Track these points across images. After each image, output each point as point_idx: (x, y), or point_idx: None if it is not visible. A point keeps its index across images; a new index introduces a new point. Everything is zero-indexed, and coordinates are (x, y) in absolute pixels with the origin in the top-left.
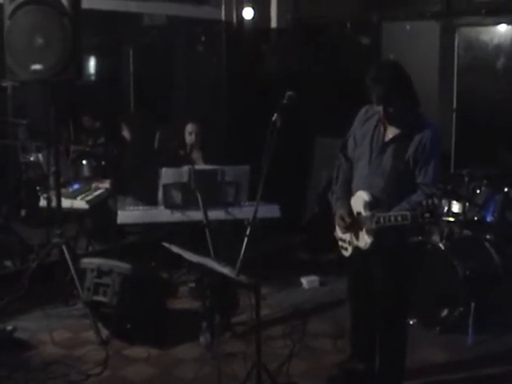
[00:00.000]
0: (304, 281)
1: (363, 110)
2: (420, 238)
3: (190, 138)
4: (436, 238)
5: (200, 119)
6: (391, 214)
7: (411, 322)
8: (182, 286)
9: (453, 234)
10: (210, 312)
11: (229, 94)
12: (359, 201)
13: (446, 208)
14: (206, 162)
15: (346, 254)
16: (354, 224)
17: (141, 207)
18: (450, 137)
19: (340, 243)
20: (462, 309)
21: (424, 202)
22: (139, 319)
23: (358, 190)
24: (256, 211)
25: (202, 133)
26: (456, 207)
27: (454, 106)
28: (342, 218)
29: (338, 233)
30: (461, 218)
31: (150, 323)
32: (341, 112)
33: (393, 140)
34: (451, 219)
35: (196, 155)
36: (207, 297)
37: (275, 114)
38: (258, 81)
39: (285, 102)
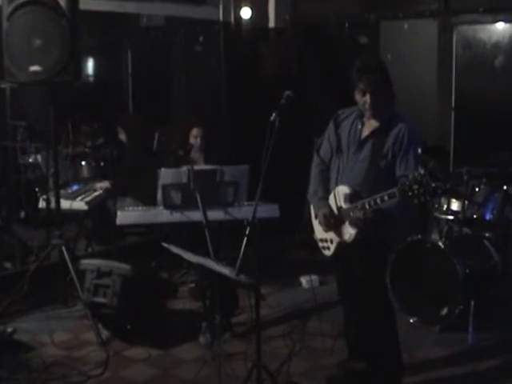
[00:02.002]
0: (304, 280)
1: (339, 112)
2: (419, 236)
3: (195, 141)
4: (435, 236)
5: (204, 122)
6: (376, 195)
7: (411, 321)
8: (181, 287)
9: (452, 232)
10: (210, 312)
11: (228, 94)
12: (339, 195)
13: (445, 206)
14: (206, 162)
15: (329, 253)
16: (336, 221)
17: (140, 208)
18: (449, 135)
19: (321, 244)
20: (461, 307)
21: (410, 176)
22: (139, 320)
23: (337, 185)
24: (255, 211)
25: (205, 136)
26: (455, 205)
27: (453, 104)
28: (325, 217)
29: (318, 234)
30: (460, 216)
31: (150, 324)
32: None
33: (370, 136)
34: (450, 217)
35: (197, 155)
36: (207, 297)
37: (273, 114)
38: (257, 81)
39: (283, 101)
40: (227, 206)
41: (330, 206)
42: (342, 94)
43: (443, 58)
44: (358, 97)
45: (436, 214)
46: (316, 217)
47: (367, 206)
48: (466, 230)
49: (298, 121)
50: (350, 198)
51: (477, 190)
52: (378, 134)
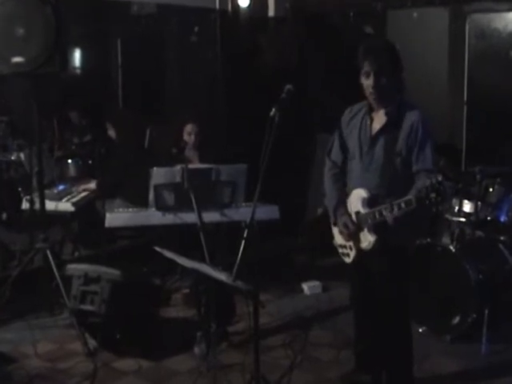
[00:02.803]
0: (305, 287)
1: (347, 111)
2: (429, 239)
3: (189, 139)
4: (446, 239)
5: (198, 118)
6: (394, 202)
7: (420, 330)
8: (175, 293)
9: (464, 235)
10: (205, 320)
11: (224, 87)
12: (356, 199)
13: (456, 208)
14: (202, 161)
15: (348, 260)
16: (356, 226)
17: (130, 209)
18: (460, 132)
19: (340, 250)
20: (474, 316)
21: (428, 182)
22: (129, 329)
23: (353, 189)
24: (254, 212)
25: (201, 133)
26: (467, 207)
27: (465, 98)
28: (346, 226)
29: (337, 240)
30: (473, 218)
31: (140, 333)
32: (344, 105)
33: (381, 131)
34: (462, 219)
35: (191, 154)
36: (202, 304)
37: (273, 109)
38: (256, 74)
39: (283, 95)
40: (224, 207)
41: (348, 213)
42: (346, 87)
43: (455, 48)
44: (363, 81)
45: (447, 216)
46: (335, 224)
47: (384, 213)
48: (478, 232)
49: (299, 116)
50: (367, 203)
51: (490, 190)
52: (389, 129)
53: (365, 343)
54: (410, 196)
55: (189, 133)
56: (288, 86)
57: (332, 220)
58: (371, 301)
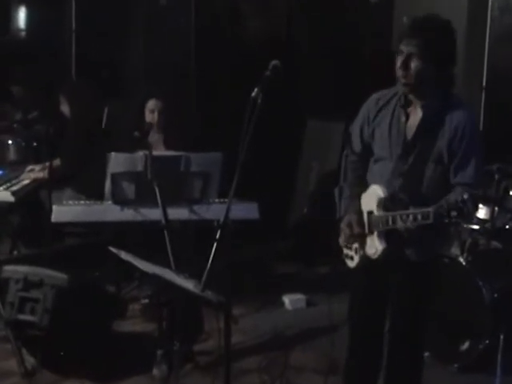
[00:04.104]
0: (287, 300)
1: (374, 99)
2: None
3: (151, 117)
4: (456, 250)
5: (163, 94)
6: (410, 211)
7: None
8: (132, 304)
9: (477, 245)
10: (166, 337)
11: (197, 61)
12: (372, 197)
13: None
14: (167, 146)
15: (352, 264)
16: (363, 228)
17: (82, 202)
18: (478, 123)
19: (345, 251)
20: (487, 341)
21: (453, 198)
22: (76, 345)
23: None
24: (228, 210)
25: (166, 111)
26: (482, 212)
27: (484, 83)
28: (350, 225)
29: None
30: (488, 225)
31: (90, 350)
32: (340, 88)
33: (419, 132)
34: (475, 227)
35: (156, 138)
36: (164, 318)
37: (255, 89)
38: (236, 46)
39: (268, 73)
40: (193, 203)
41: (360, 211)
42: (344, 65)
43: (474, 24)
44: (397, 64)
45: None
46: (340, 219)
47: (399, 221)
48: (494, 243)
49: (286, 99)
50: (384, 204)
51: (510, 193)
52: (428, 130)
53: (358, 369)
54: (430, 209)
55: (151, 110)
56: (274, 62)
57: (338, 213)
58: (372, 317)
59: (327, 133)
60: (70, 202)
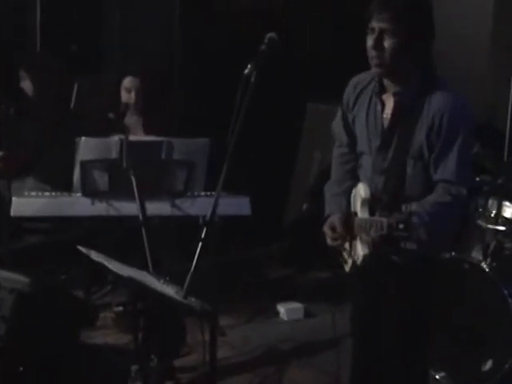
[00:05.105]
0: (282, 309)
1: (352, 83)
2: (453, 253)
3: (127, 97)
4: (477, 254)
5: (142, 71)
6: (367, 218)
7: (437, 377)
8: (104, 311)
9: (503, 249)
10: (143, 350)
11: (183, 32)
12: (357, 197)
13: (493, 212)
14: (147, 131)
15: (346, 268)
16: (350, 230)
17: (47, 193)
18: (505, 111)
19: (343, 253)
20: None
21: (430, 199)
22: (38, 358)
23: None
24: (216, 205)
25: (144, 91)
26: (509, 211)
27: None
28: (333, 227)
29: None
30: None
31: (54, 365)
32: (344, 67)
33: (394, 123)
34: (501, 228)
35: (134, 121)
36: (140, 328)
37: (249, 66)
38: (226, 19)
39: (263, 47)
40: (176, 196)
41: (347, 212)
42: (347, 42)
43: (503, 3)
44: (367, 43)
45: (479, 222)
46: (325, 219)
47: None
48: None
49: (283, 78)
50: (368, 205)
51: None
52: (406, 117)
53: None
54: (383, 219)
55: (127, 89)
56: (270, 35)
57: (326, 214)
58: (373, 328)
59: (330, 118)
60: (33, 194)
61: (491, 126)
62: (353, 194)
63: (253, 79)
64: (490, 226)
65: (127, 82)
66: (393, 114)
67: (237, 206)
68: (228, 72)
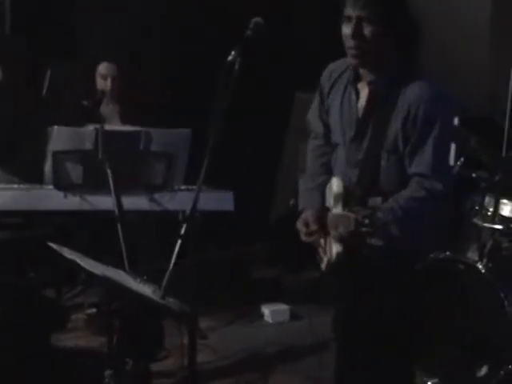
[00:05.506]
0: (267, 311)
1: (328, 71)
2: (447, 253)
3: (103, 84)
4: (473, 254)
5: (120, 56)
6: (342, 214)
7: (429, 383)
8: (75, 313)
9: (500, 249)
10: (117, 354)
11: (163, 20)
12: (330, 191)
13: (491, 209)
14: (124, 120)
15: (322, 266)
16: (324, 227)
17: (15, 186)
18: (504, 101)
19: (319, 251)
20: (510, 366)
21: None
22: (5, 362)
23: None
24: (196, 200)
25: (121, 77)
26: (507, 209)
27: None
28: (306, 223)
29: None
30: None
31: (23, 369)
32: (334, 56)
33: (369, 113)
34: (498, 227)
35: (109, 109)
36: (114, 330)
37: (233, 52)
38: (209, 4)
39: (249, 33)
40: (154, 190)
41: (320, 207)
42: (338, 29)
43: None
44: (343, 31)
45: (475, 221)
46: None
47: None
48: None
49: (270, 65)
50: (341, 200)
51: None
52: (381, 107)
53: None
54: (351, 214)
55: (103, 76)
56: (256, 20)
57: (300, 210)
58: (355, 331)
59: None
60: (1, 186)
61: (490, 117)
62: (327, 189)
63: (237, 66)
64: (487, 225)
65: (103, 68)
66: (367, 104)
67: (219, 201)
68: (211, 59)
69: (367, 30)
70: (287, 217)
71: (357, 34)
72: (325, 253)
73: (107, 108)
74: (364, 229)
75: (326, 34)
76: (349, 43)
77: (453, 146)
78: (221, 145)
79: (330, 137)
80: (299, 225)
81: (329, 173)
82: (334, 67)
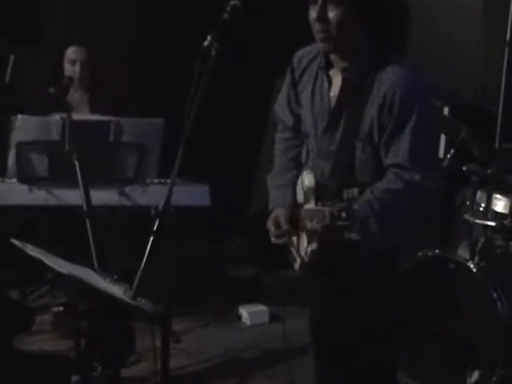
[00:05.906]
0: (245, 312)
1: (297, 57)
2: (437, 251)
3: (71, 70)
4: (464, 252)
5: (90, 41)
6: (315, 208)
7: None
8: (41, 314)
9: (492, 247)
10: (85, 358)
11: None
12: (301, 186)
13: (483, 205)
14: (93, 109)
15: (296, 266)
16: (296, 224)
17: None
18: (497, 88)
19: (292, 250)
20: (503, 371)
21: (380, 186)
22: None
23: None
24: (170, 194)
25: (91, 63)
26: (500, 204)
27: (508, 37)
28: (277, 222)
29: None
30: (507, 222)
31: None
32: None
33: (342, 102)
34: (491, 223)
35: (78, 97)
36: (82, 333)
37: (209, 37)
38: None
39: (226, 16)
40: (125, 184)
41: (292, 204)
42: None
43: None
44: (310, 16)
45: (466, 217)
46: (269, 213)
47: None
48: None
49: (249, 51)
50: (313, 195)
51: None
52: (355, 96)
53: None
54: (325, 208)
55: (71, 61)
56: (233, 2)
57: (269, 209)
58: (332, 334)
59: None
60: None
61: (482, 106)
62: (298, 184)
63: (213, 52)
64: (479, 221)
65: (71, 52)
66: (341, 92)
67: (194, 195)
68: (186, 44)
69: (333, 13)
70: (266, 212)
71: (321, 17)
72: (298, 252)
73: (75, 95)
74: (340, 222)
75: (305, 19)
76: (315, 27)
77: (442, 138)
78: (196, 135)
79: (299, 128)
80: (269, 224)
81: (299, 167)
82: (303, 53)
